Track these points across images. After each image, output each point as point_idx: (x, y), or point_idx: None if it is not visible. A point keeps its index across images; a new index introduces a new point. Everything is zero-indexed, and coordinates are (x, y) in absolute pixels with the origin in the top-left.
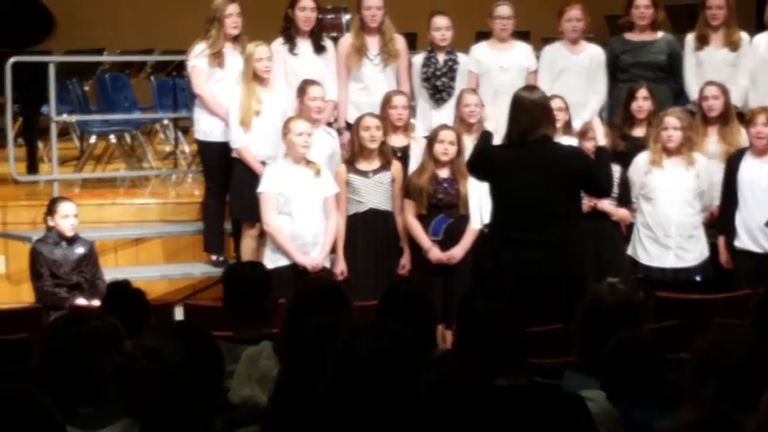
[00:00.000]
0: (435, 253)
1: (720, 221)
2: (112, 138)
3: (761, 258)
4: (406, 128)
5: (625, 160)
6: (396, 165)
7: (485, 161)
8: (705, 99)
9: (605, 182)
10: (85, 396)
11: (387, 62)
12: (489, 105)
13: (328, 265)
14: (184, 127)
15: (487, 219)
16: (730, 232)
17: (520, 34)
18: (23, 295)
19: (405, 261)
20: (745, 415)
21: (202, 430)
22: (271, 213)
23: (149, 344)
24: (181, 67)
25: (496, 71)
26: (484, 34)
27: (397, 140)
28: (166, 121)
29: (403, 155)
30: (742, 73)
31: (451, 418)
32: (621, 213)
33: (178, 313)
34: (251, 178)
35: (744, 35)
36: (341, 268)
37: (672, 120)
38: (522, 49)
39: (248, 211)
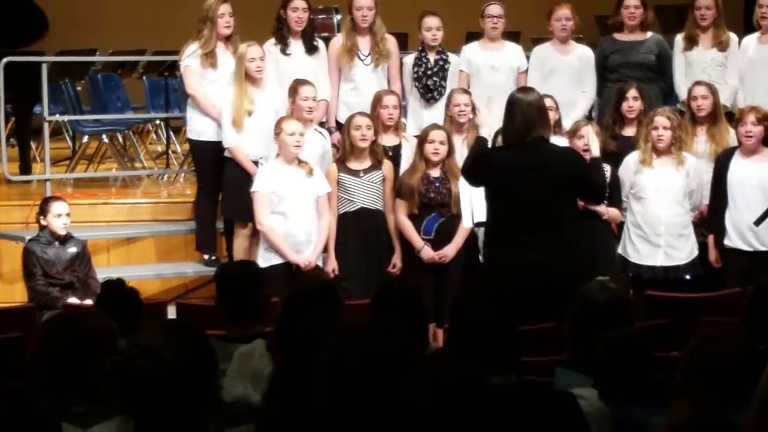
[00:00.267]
0: (427, 252)
1: (709, 220)
2: (105, 138)
3: (750, 257)
4: (397, 128)
5: (616, 160)
6: (387, 164)
7: (481, 165)
8: (694, 99)
9: (599, 189)
10: (79, 394)
11: (378, 62)
12: (484, 111)
13: (320, 264)
14: (176, 127)
15: (478, 218)
16: (720, 231)
17: (511, 35)
18: (16, 295)
19: (396, 260)
20: (736, 414)
21: (195, 428)
22: (265, 212)
23: (146, 343)
24: (173, 67)
25: (487, 71)
26: (474, 35)
27: (388, 140)
28: (158, 121)
29: (395, 154)
30: (730, 73)
31: (443, 416)
32: (611, 212)
33: (171, 312)
34: (243, 177)
35: (732, 36)
36: (332, 266)
37: (662, 120)
38: (512, 50)
39: (240, 210)
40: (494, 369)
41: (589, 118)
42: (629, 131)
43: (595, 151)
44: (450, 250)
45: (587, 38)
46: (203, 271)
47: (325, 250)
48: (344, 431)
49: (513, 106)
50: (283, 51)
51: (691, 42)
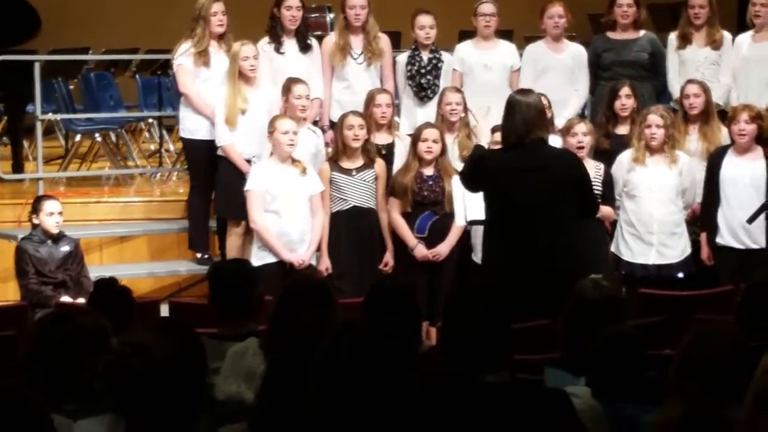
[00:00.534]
0: (420, 251)
1: (702, 218)
2: (98, 136)
3: (742, 254)
4: (390, 126)
5: (609, 158)
6: (379, 163)
7: (479, 169)
8: (686, 97)
9: (595, 202)
10: (72, 392)
11: (371, 61)
12: (482, 122)
13: (314, 262)
14: (169, 126)
15: (471, 216)
16: (712, 229)
17: (504, 33)
18: (9, 293)
19: (388, 258)
20: (729, 411)
21: (186, 426)
22: (258, 211)
23: (138, 342)
24: (166, 65)
25: (480, 70)
26: (467, 33)
27: (381, 138)
28: (150, 120)
29: (388, 153)
30: (723, 72)
31: (436, 414)
32: (604, 210)
33: (164, 311)
34: (236, 176)
35: (726, 34)
36: (326, 265)
37: (655, 118)
38: (506, 48)
39: (234, 208)
40: (487, 367)
41: (582, 116)
42: (622, 129)
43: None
44: (443, 249)
45: (580, 37)
46: (196, 269)
47: (318, 248)
48: (337, 430)
49: (512, 107)
50: (277, 49)
51: (684, 40)
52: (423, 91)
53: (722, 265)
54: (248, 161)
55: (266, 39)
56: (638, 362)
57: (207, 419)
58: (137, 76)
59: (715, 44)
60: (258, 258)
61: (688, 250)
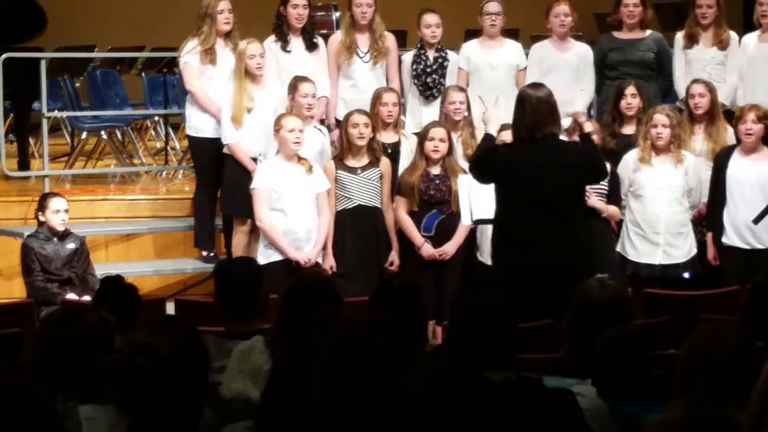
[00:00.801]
0: (427, 249)
1: (708, 218)
2: (103, 134)
3: (748, 254)
4: (396, 125)
5: (615, 158)
6: (384, 161)
7: (489, 161)
8: (691, 97)
9: (603, 167)
10: (79, 389)
11: (377, 59)
12: (492, 109)
13: (320, 260)
14: (175, 124)
15: (477, 215)
16: (718, 229)
17: (509, 32)
18: (15, 291)
19: (394, 257)
20: (735, 411)
21: (189, 424)
22: (264, 209)
23: (143, 341)
24: (171, 63)
25: (486, 69)
26: (473, 32)
27: (387, 137)
28: (156, 118)
29: (393, 152)
30: (730, 72)
31: (442, 413)
32: (611, 210)
33: (170, 309)
34: (242, 174)
35: (733, 34)
36: (330, 263)
37: (661, 117)
38: (512, 48)
39: (239, 207)
40: (493, 366)
41: (588, 115)
42: (628, 129)
43: (587, 127)
44: (450, 247)
45: (586, 36)
46: (202, 267)
47: (324, 247)
48: (343, 428)
49: (523, 102)
50: (283, 48)
51: (691, 40)
52: (428, 90)
53: (728, 265)
54: (254, 159)
55: (272, 37)
56: (644, 362)
57: (213, 417)
58: (143, 74)
59: (722, 44)
60: (264, 256)
61: (694, 250)
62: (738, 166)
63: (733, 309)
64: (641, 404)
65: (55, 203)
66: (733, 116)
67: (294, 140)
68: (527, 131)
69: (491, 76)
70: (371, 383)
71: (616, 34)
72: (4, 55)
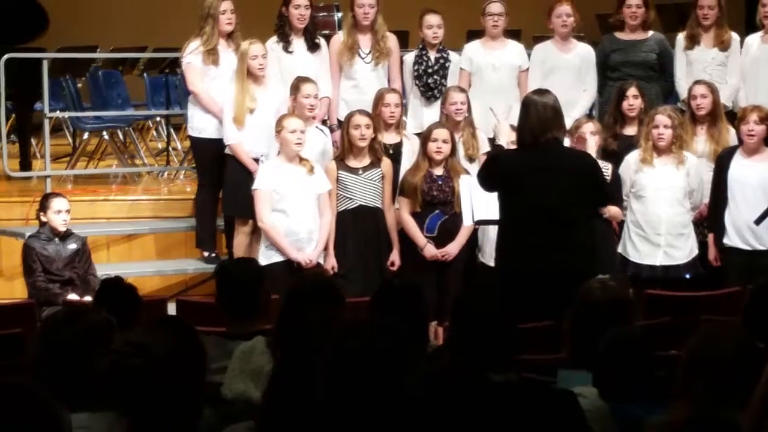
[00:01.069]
0: (430, 250)
1: (709, 219)
2: (105, 135)
3: (749, 256)
4: (398, 126)
5: (617, 159)
6: (386, 162)
7: (493, 168)
8: (693, 98)
9: (609, 195)
10: (80, 390)
11: (378, 60)
12: (503, 122)
13: (321, 261)
14: (177, 124)
15: (478, 216)
16: (720, 230)
17: (512, 33)
18: (16, 291)
19: (395, 258)
20: (736, 412)
21: (188, 424)
22: (266, 210)
23: (139, 341)
24: (173, 64)
25: (488, 70)
26: (475, 33)
27: (388, 137)
28: (158, 118)
29: (395, 152)
30: (731, 73)
31: (443, 414)
32: (612, 211)
33: (171, 309)
34: (244, 174)
35: (734, 35)
36: (332, 264)
37: (663, 118)
38: (514, 48)
39: (241, 207)
40: (495, 367)
41: (589, 116)
42: (630, 130)
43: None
44: (453, 248)
45: (588, 37)
46: (203, 268)
47: (325, 247)
48: (345, 428)
49: (528, 107)
50: (285, 48)
51: (692, 41)
52: (430, 91)
53: (729, 267)
54: (256, 160)
55: (274, 38)
56: (645, 363)
57: (214, 418)
58: (145, 75)
59: (723, 45)
60: (266, 257)
61: (696, 251)
62: (740, 167)
63: (735, 310)
64: (642, 405)
65: (56, 203)
66: (734, 117)
67: (295, 141)
68: (531, 136)
69: (493, 77)
70: (372, 384)
71: (619, 35)
72: (6, 56)
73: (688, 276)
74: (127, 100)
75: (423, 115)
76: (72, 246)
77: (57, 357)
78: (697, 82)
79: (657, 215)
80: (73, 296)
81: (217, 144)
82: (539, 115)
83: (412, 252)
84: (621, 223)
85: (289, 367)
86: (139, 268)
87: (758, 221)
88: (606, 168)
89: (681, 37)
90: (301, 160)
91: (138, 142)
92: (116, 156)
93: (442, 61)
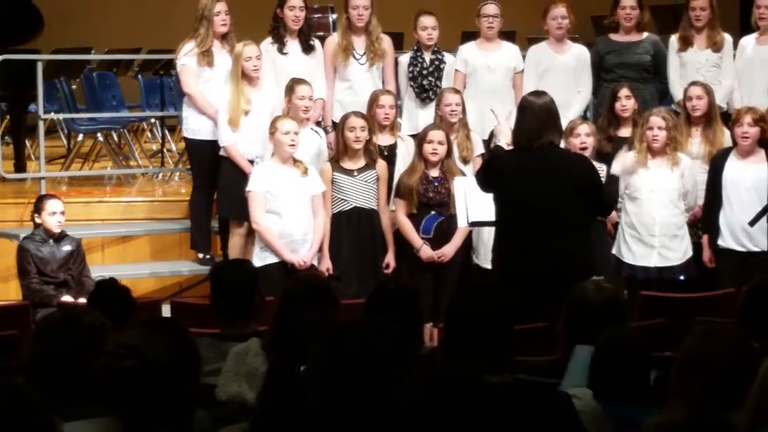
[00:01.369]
0: (426, 251)
1: (704, 220)
2: (100, 136)
3: (743, 257)
4: (393, 127)
5: (611, 161)
6: (381, 164)
7: (490, 169)
8: (689, 99)
9: (609, 201)
10: (75, 393)
11: (373, 62)
12: (504, 123)
13: (315, 263)
14: (171, 126)
15: (473, 217)
16: (714, 232)
17: (506, 34)
18: (11, 293)
19: (390, 259)
20: (732, 413)
21: (181, 425)
22: (260, 211)
23: (132, 343)
24: (168, 65)
25: (483, 71)
26: (470, 34)
27: (383, 139)
28: (153, 120)
29: (390, 154)
30: (725, 74)
31: (438, 415)
32: None
33: (166, 311)
34: (239, 176)
35: (727, 36)
36: (327, 265)
37: (657, 120)
38: (509, 50)
39: (236, 209)
40: (490, 368)
41: (584, 118)
42: (624, 132)
43: (615, 169)
44: (449, 250)
45: (583, 38)
46: (198, 269)
47: (320, 249)
48: (339, 430)
49: (524, 109)
50: (280, 50)
51: (685, 43)
52: (425, 93)
53: (724, 268)
54: (251, 162)
55: (269, 39)
56: (640, 364)
57: (208, 420)
58: (139, 76)
59: (716, 46)
60: (260, 258)
61: (690, 253)
62: (734, 169)
63: (729, 311)
64: (638, 406)
65: (51, 205)
66: (729, 118)
67: (289, 143)
68: (527, 140)
69: (488, 79)
70: (367, 386)
71: (613, 37)
72: (1, 57)
73: (682, 277)
74: (122, 102)
75: (418, 116)
76: (66, 248)
77: (51, 359)
78: (692, 84)
79: (651, 217)
80: (67, 298)
81: (212, 145)
82: (536, 118)
83: (408, 253)
84: (615, 225)
85: (283, 369)
86: (134, 270)
87: (752, 222)
88: (600, 169)
89: (674, 39)
90: (295, 161)
91: (132, 143)
92: (111, 158)
93: (437, 62)
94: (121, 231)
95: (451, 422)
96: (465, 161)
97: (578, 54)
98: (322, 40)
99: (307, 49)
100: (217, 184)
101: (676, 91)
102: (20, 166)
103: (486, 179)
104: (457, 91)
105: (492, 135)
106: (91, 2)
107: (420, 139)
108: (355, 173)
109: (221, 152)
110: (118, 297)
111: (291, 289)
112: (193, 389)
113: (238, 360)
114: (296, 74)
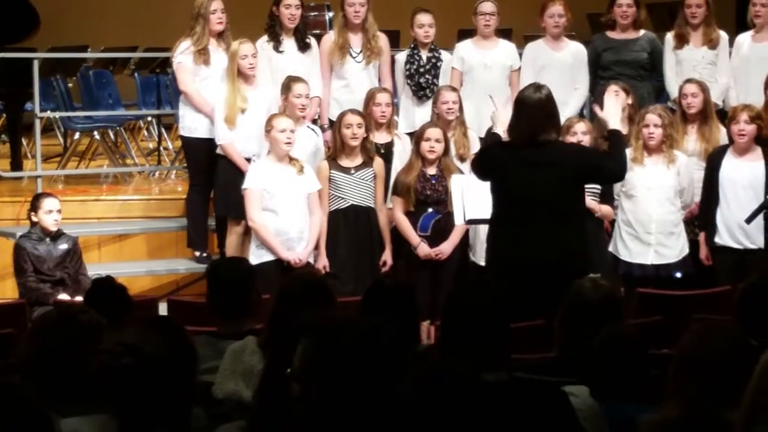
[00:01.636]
0: (423, 249)
1: (700, 218)
2: (96, 134)
3: (740, 254)
4: (389, 125)
5: None
6: (378, 161)
7: (487, 159)
8: (684, 96)
9: (618, 167)
10: (72, 391)
11: (369, 59)
12: (501, 110)
13: (312, 260)
14: (168, 124)
15: (469, 215)
16: (711, 229)
17: (502, 32)
18: (7, 291)
19: (387, 257)
20: (728, 410)
21: (178, 423)
22: (256, 209)
23: (129, 341)
24: (164, 63)
25: (480, 69)
26: (466, 32)
27: (380, 137)
28: (149, 118)
29: (387, 152)
30: (721, 72)
31: (435, 413)
32: (604, 210)
33: (162, 309)
34: (236, 174)
35: (723, 34)
36: (323, 263)
37: (653, 117)
38: (506, 48)
39: (233, 207)
40: (486, 366)
41: (581, 116)
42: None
43: (613, 123)
44: (446, 247)
45: (579, 36)
46: (195, 267)
47: (316, 247)
48: (336, 429)
49: (521, 104)
50: (276, 48)
51: (681, 40)
52: (422, 90)
53: (720, 265)
54: (248, 160)
55: (265, 37)
56: (637, 362)
57: (205, 417)
58: (136, 74)
59: (712, 44)
60: (256, 256)
61: (686, 250)
62: (731, 167)
63: (726, 309)
64: (634, 404)
65: (47, 203)
66: (725, 116)
67: (285, 140)
68: (521, 135)
69: (485, 77)
70: (363, 384)
71: (610, 34)
72: None
73: (678, 275)
74: (118, 100)
75: (415, 114)
76: (63, 246)
77: (48, 357)
78: (687, 81)
79: (647, 214)
80: (64, 296)
81: (209, 143)
82: (530, 116)
83: (406, 251)
84: (612, 222)
85: (279, 367)
86: (130, 268)
87: (749, 220)
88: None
89: (670, 37)
90: (291, 159)
91: (129, 141)
92: (107, 156)
93: (434, 60)
94: (118, 229)
95: (448, 420)
96: (462, 159)
97: (575, 51)
98: (319, 38)
99: (303, 47)
100: (213, 182)
101: (672, 88)
102: (17, 165)
103: (482, 168)
104: (454, 89)
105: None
106: (87, 0)
107: (417, 136)
108: (352, 171)
109: (218, 150)
110: (114, 295)
111: (287, 286)
112: (190, 387)
113: (234, 358)
114: (292, 72)
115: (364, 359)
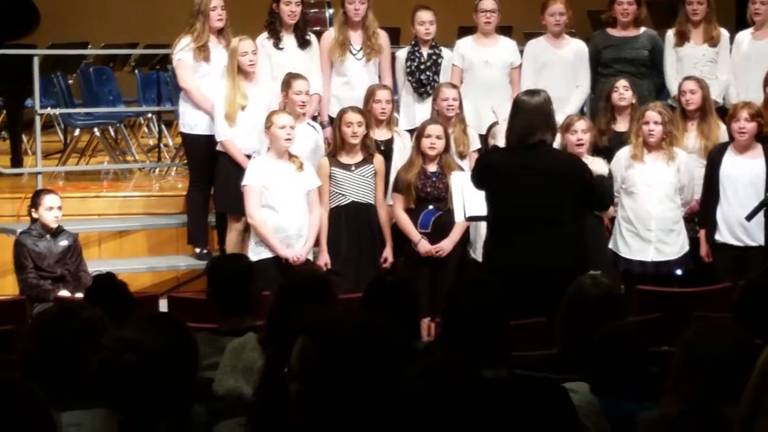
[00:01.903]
0: (424, 246)
1: (701, 215)
2: (96, 131)
3: (740, 252)
4: (390, 122)
5: (608, 155)
6: (378, 158)
7: (483, 167)
8: (683, 93)
9: (605, 198)
10: (72, 386)
11: (370, 57)
12: (503, 123)
13: (311, 258)
14: (168, 121)
15: (470, 212)
16: (711, 226)
17: (503, 29)
18: (7, 288)
19: (387, 254)
20: (728, 407)
21: (178, 419)
22: (255, 206)
23: (130, 337)
24: (165, 60)
25: (481, 66)
26: (467, 29)
27: (380, 134)
28: (149, 115)
29: (387, 149)
30: (721, 69)
31: (434, 410)
32: None
33: (163, 305)
34: (236, 171)
35: (723, 31)
36: (324, 260)
37: (653, 114)
38: (506, 45)
39: (233, 204)
40: (486, 363)
41: (581, 113)
42: (621, 126)
43: (601, 170)
44: (447, 245)
45: (580, 33)
46: (195, 264)
47: (317, 244)
48: (336, 425)
49: (517, 108)
50: (276, 45)
51: (682, 37)
52: (422, 87)
53: (720, 262)
54: (248, 157)
55: (265, 34)
56: (637, 359)
57: (205, 414)
58: (136, 71)
59: (713, 41)
60: (255, 253)
61: (686, 247)
62: (731, 164)
63: (726, 306)
64: (635, 401)
65: (48, 200)
66: (725, 113)
67: (285, 137)
68: (517, 137)
69: (485, 74)
70: (363, 380)
71: (611, 32)
72: None
73: (679, 272)
74: (119, 97)
75: (415, 111)
76: (63, 242)
77: (48, 353)
78: (686, 78)
79: (647, 211)
80: (64, 293)
81: (209, 140)
82: (527, 118)
83: (406, 248)
84: (612, 220)
85: (280, 364)
86: (131, 265)
87: (749, 217)
88: (599, 166)
89: (670, 34)
90: (291, 156)
91: (129, 138)
92: (107, 152)
93: (434, 57)
94: (118, 226)
95: (448, 417)
96: (462, 156)
97: (576, 49)
98: (319, 35)
99: (303, 44)
100: (213, 179)
101: (673, 86)
102: (17, 161)
103: (479, 177)
104: (454, 86)
105: (489, 130)
106: None
107: (418, 133)
108: (353, 168)
109: (218, 147)
110: (115, 292)
111: (288, 283)
112: (191, 383)
113: (234, 354)
114: (292, 69)
115: (363, 355)
